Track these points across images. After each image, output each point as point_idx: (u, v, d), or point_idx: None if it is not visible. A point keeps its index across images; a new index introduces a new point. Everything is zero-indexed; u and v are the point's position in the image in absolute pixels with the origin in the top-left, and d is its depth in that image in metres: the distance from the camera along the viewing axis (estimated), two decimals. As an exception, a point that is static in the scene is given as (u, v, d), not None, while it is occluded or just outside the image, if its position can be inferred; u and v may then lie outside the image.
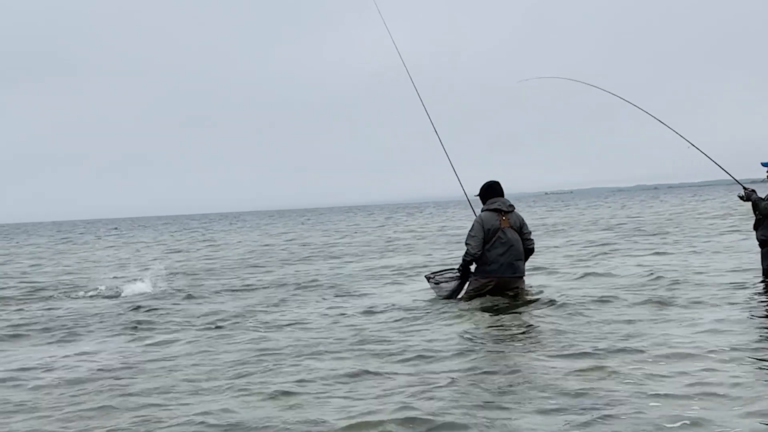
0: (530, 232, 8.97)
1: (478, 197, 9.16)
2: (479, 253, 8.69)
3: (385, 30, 11.11)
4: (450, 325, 7.67)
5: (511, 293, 8.74)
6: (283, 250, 23.47)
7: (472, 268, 9.00)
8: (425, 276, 10.06)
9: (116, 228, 70.09)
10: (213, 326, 8.43)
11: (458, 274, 9.15)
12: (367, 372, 5.74)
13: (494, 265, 8.66)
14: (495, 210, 8.77)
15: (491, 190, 8.95)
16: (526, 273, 9.05)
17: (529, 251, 8.93)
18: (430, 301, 9.29)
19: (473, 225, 8.80)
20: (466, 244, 8.78)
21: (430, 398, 4.91)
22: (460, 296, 9.05)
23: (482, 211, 8.90)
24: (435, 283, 9.54)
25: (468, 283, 9.05)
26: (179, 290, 12.40)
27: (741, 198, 9.15)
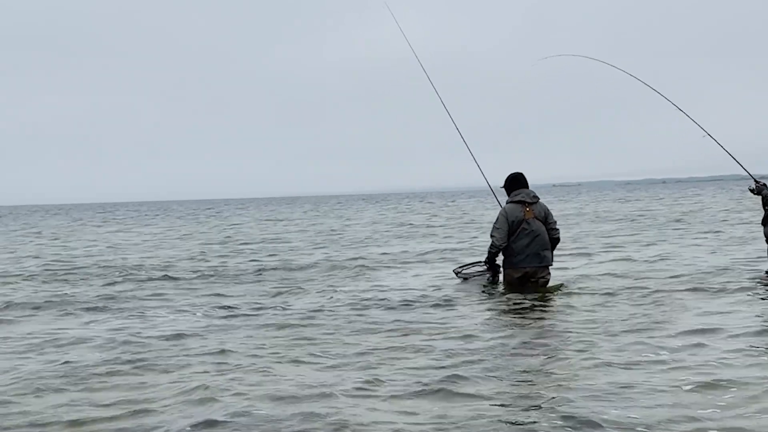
0: (555, 222, 9.14)
1: (503, 188, 9.34)
2: (504, 244, 8.89)
3: (392, 25, 11.35)
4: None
5: (541, 284, 8.97)
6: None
7: (499, 260, 9.24)
8: (453, 270, 10.33)
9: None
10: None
11: (486, 266, 9.38)
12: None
13: (521, 255, 8.86)
14: (519, 202, 8.95)
15: (516, 182, 9.12)
16: (553, 262, 9.25)
17: (555, 240, 9.09)
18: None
19: (498, 217, 9.01)
20: (491, 236, 8.98)
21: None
22: (495, 286, 9.26)
23: (507, 203, 9.12)
24: (464, 278, 9.84)
25: (499, 275, 9.28)
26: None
27: (752, 191, 9.18)
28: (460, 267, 10.23)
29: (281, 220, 37.46)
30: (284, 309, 8.53)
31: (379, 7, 12.01)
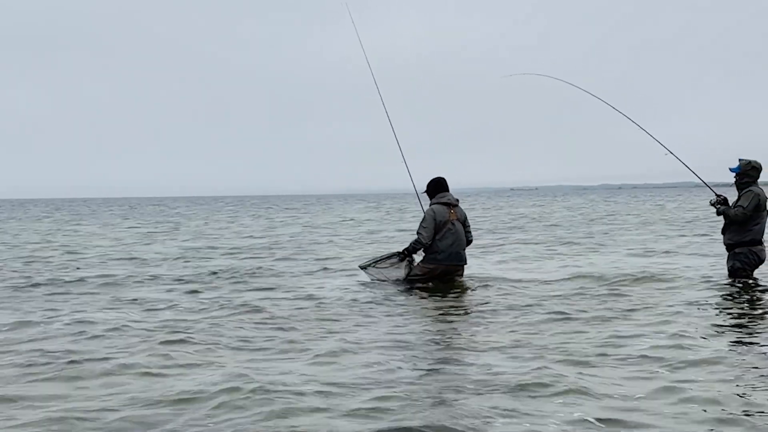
0: (469, 225, 9.92)
1: (425, 193, 9.91)
2: (429, 242, 9.52)
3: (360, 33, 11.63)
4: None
5: (457, 278, 9.70)
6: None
7: (417, 256, 9.87)
8: (360, 266, 10.48)
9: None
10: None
11: (399, 258, 9.82)
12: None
13: (443, 254, 9.54)
14: (445, 203, 9.61)
15: (440, 186, 9.76)
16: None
17: (469, 242, 9.88)
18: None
19: (425, 217, 9.60)
20: (418, 233, 9.60)
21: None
22: (403, 278, 9.75)
23: (432, 204, 9.69)
24: (377, 271, 10.01)
25: (414, 267, 9.79)
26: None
27: (712, 205, 9.49)
28: (371, 261, 10.32)
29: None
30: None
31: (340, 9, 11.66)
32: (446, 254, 9.52)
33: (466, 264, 9.80)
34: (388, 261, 9.98)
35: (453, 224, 9.52)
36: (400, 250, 9.91)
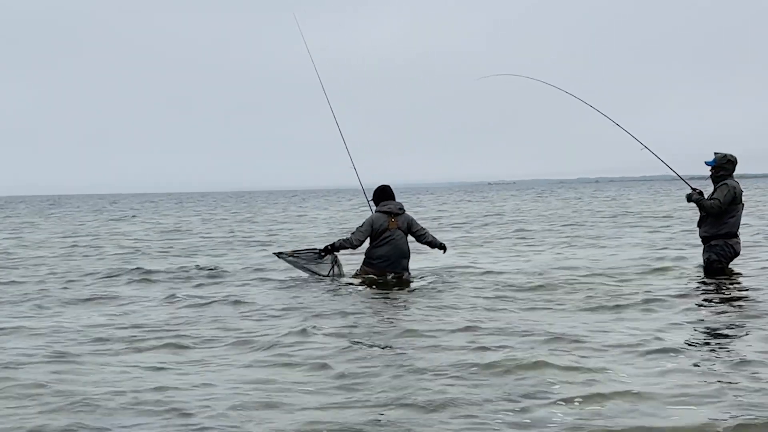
0: (422, 227, 9.95)
1: (371, 201, 9.98)
2: (357, 246, 9.71)
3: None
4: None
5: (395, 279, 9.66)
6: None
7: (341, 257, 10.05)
8: (275, 254, 10.48)
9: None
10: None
11: (321, 252, 9.94)
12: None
13: (380, 260, 9.66)
14: (386, 212, 9.70)
15: (384, 194, 9.86)
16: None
17: (428, 244, 9.92)
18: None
19: (364, 222, 9.78)
20: (352, 233, 9.78)
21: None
22: (326, 274, 9.92)
23: (375, 211, 9.80)
24: (302, 261, 10.05)
25: (357, 270, 9.90)
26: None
27: (688, 197, 9.48)
28: (293, 251, 10.36)
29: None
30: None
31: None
32: (382, 260, 9.64)
33: (407, 272, 9.83)
34: (307, 255, 10.09)
35: (391, 232, 9.61)
36: (320, 248, 10.07)
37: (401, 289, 9.15)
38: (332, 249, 9.89)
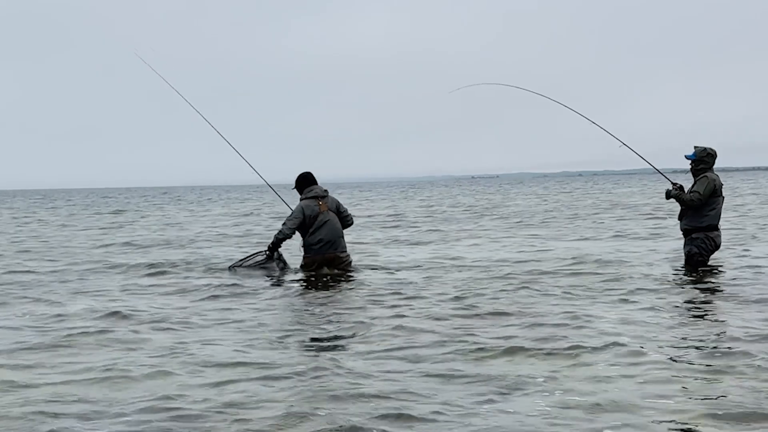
0: (347, 210, 10.16)
1: (294, 189, 10.08)
2: (291, 234, 9.84)
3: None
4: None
5: (339, 268, 9.79)
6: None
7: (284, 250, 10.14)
8: (230, 267, 10.52)
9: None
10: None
11: (267, 253, 10.13)
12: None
13: (320, 244, 9.77)
14: (313, 197, 9.86)
15: (306, 181, 10.01)
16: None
17: (348, 225, 10.12)
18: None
19: (294, 210, 9.89)
20: (284, 224, 9.88)
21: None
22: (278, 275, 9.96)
23: (301, 199, 9.91)
24: (246, 271, 10.17)
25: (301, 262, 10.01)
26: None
27: (667, 192, 9.55)
28: (239, 262, 10.55)
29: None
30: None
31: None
32: (322, 244, 9.76)
33: (345, 252, 9.98)
34: (254, 260, 10.25)
35: (324, 215, 9.78)
36: (265, 249, 10.25)
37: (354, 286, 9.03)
38: (274, 247, 10.06)
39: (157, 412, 4.30)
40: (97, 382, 4.93)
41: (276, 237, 9.97)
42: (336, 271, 9.72)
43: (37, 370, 5.28)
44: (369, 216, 25.37)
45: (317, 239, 9.74)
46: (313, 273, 9.67)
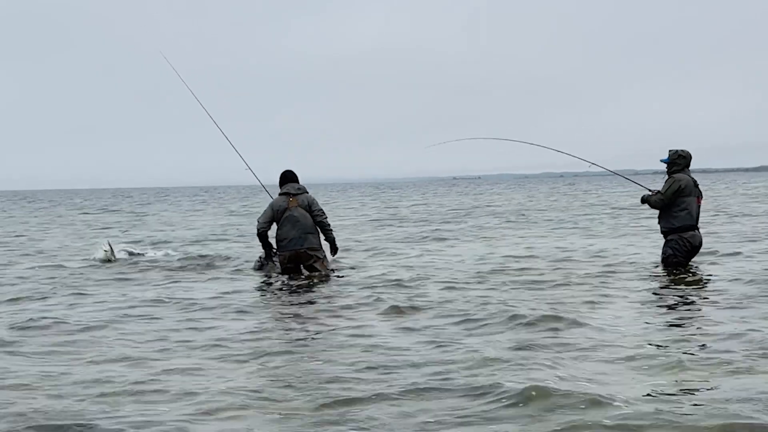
0: (321, 209, 10.16)
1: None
2: (264, 228, 10.01)
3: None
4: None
5: (307, 267, 9.91)
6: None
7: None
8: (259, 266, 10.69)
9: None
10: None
11: (265, 258, 10.44)
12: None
13: (285, 241, 9.90)
14: (284, 194, 10.07)
15: (284, 178, 10.31)
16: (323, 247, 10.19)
17: (322, 224, 10.05)
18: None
19: (266, 207, 10.19)
20: (257, 221, 10.17)
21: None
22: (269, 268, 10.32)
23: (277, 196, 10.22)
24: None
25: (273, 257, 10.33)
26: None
27: (641, 201, 9.85)
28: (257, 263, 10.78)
29: None
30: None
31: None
32: (288, 240, 9.87)
33: (316, 250, 9.97)
34: (269, 265, 10.38)
35: (291, 211, 9.88)
36: (260, 255, 10.61)
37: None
38: (262, 244, 10.29)
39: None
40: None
41: (257, 235, 10.22)
42: (315, 273, 9.78)
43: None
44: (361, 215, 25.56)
45: (283, 235, 9.88)
46: (286, 276, 9.77)
